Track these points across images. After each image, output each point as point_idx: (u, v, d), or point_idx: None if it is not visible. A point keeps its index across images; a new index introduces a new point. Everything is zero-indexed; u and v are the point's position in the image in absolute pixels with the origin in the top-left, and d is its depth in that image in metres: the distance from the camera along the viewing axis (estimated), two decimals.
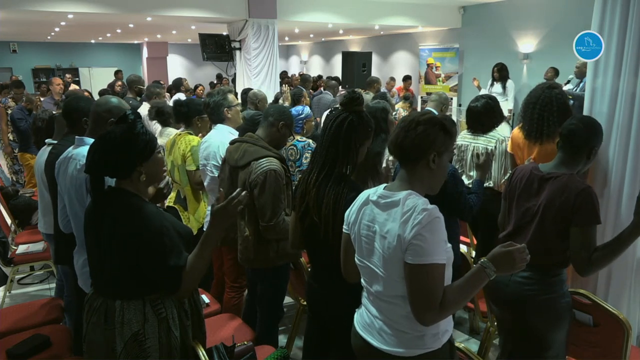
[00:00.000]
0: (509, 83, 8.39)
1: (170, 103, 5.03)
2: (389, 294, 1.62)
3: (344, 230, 1.80)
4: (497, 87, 8.32)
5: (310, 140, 3.65)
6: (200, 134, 3.53)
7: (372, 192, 1.69)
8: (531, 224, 2.12)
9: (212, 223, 1.80)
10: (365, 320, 1.74)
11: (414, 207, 1.52)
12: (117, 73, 11.30)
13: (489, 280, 1.53)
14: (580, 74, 6.86)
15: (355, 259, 1.75)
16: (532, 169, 2.19)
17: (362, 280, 1.77)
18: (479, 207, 2.75)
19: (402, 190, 1.60)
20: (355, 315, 1.82)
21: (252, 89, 5.11)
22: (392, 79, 10.88)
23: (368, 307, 1.74)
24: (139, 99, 6.03)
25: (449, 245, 1.58)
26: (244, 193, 1.79)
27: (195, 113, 3.47)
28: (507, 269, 1.54)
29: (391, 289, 1.60)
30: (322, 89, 9.84)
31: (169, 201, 3.50)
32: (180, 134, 3.45)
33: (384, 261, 1.59)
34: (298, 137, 3.64)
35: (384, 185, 1.70)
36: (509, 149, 3.28)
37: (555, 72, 7.78)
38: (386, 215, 1.60)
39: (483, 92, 8.22)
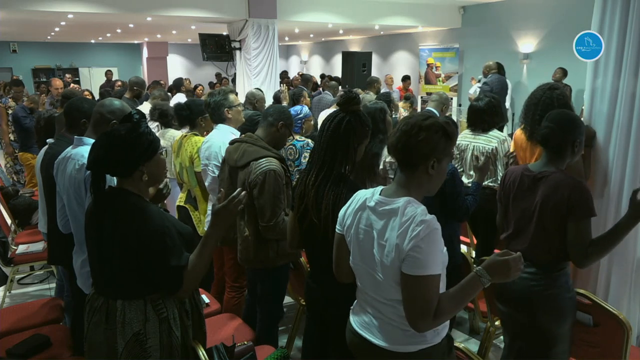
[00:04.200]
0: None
1: (171, 103, 5.04)
2: (387, 297, 1.62)
3: (337, 230, 1.79)
4: None
5: (310, 140, 3.65)
6: (205, 133, 3.54)
7: (369, 197, 1.67)
8: (530, 224, 2.16)
9: (213, 223, 1.80)
10: (363, 318, 1.74)
11: (413, 218, 1.51)
12: (106, 73, 11.48)
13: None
14: (484, 75, 7.69)
15: (351, 262, 1.74)
16: (522, 171, 2.25)
17: (357, 282, 1.76)
18: (475, 208, 2.75)
19: (400, 196, 1.59)
20: (351, 314, 1.82)
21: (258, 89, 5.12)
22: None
23: (364, 306, 1.74)
24: (136, 100, 6.04)
25: (444, 249, 1.58)
26: (243, 193, 1.80)
27: (198, 114, 3.49)
28: (502, 278, 1.53)
29: (389, 292, 1.60)
30: (321, 89, 9.85)
31: (180, 201, 3.52)
32: (186, 135, 3.46)
33: (383, 267, 1.59)
34: (297, 137, 3.64)
35: (381, 188, 1.68)
36: (511, 149, 3.28)
37: (564, 72, 7.73)
38: (384, 222, 1.59)
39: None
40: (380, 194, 1.64)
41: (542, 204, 2.11)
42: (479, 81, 7.67)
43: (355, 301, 1.82)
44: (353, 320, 1.79)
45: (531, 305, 2.14)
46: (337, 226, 1.78)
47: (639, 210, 1.99)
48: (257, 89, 5.19)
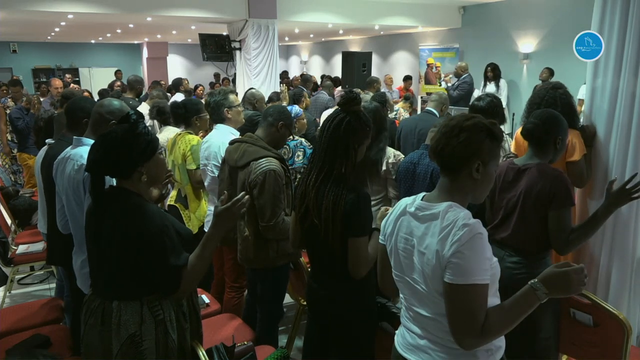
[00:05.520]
0: (502, 82, 8.53)
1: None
2: (431, 311, 1.50)
3: (380, 240, 1.70)
4: (491, 86, 8.42)
5: (303, 139, 3.65)
6: (200, 133, 3.54)
7: (410, 202, 1.57)
8: (514, 213, 2.27)
9: (214, 224, 1.80)
10: (407, 340, 1.60)
11: (454, 222, 1.40)
12: (116, 73, 11.39)
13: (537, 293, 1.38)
14: (457, 74, 8.54)
15: (393, 274, 1.64)
16: (507, 165, 2.36)
17: (401, 296, 1.65)
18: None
19: (442, 201, 1.48)
20: (395, 337, 1.69)
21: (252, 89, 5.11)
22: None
23: (409, 326, 1.60)
24: (137, 99, 6.05)
25: (495, 259, 1.47)
26: (247, 197, 1.81)
27: (193, 113, 3.50)
28: (561, 292, 1.38)
29: (435, 306, 1.48)
30: (321, 89, 9.86)
31: (170, 200, 3.52)
32: (180, 133, 3.48)
33: (425, 277, 1.47)
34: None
35: (423, 194, 1.59)
36: (512, 149, 3.27)
37: (551, 72, 7.83)
38: (424, 228, 1.48)
39: (477, 93, 8.29)
40: (421, 200, 1.55)
41: (525, 194, 2.21)
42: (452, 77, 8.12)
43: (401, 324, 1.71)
44: (397, 342, 1.66)
45: (514, 293, 2.16)
46: (380, 236, 1.69)
47: (615, 199, 2.14)
48: (252, 88, 5.18)
